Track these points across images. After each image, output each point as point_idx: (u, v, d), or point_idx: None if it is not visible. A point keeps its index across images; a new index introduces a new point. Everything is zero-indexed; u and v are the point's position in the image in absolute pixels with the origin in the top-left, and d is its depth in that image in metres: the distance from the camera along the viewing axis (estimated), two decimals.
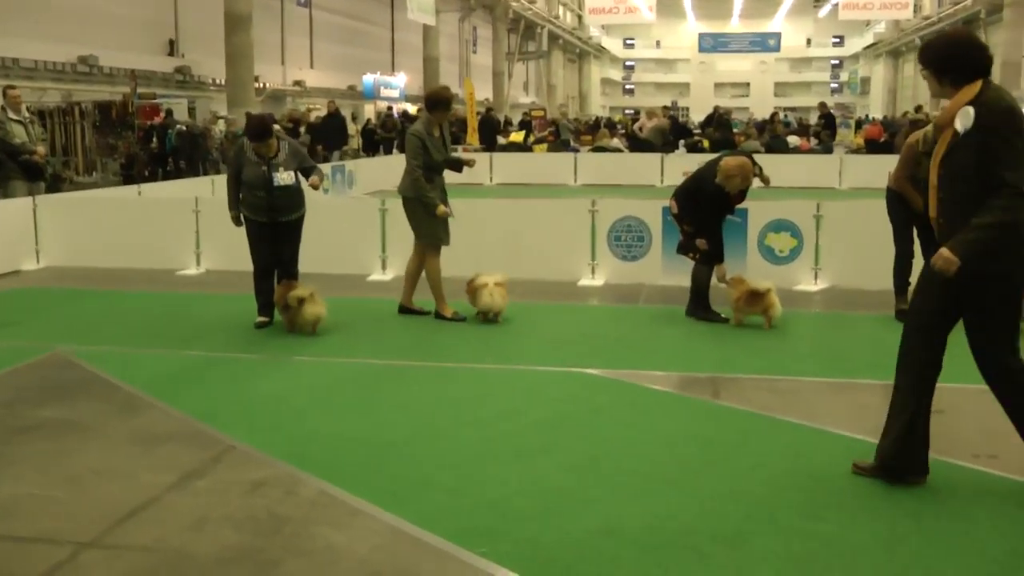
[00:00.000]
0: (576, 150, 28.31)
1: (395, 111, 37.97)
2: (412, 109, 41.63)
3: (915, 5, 54.97)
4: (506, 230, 11.18)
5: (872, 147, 27.64)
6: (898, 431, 5.12)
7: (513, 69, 59.71)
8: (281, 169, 8.74)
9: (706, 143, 28.60)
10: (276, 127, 9.22)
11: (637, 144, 28.10)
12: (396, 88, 45.58)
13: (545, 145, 29.87)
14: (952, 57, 4.89)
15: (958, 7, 55.58)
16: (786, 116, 46.37)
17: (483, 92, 55.16)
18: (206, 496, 4.97)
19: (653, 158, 25.69)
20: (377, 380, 7.24)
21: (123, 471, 5.34)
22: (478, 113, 33.26)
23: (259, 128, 8.79)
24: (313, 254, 9.57)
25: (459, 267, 9.34)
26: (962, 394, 6.47)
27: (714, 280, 9.31)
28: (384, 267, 11.47)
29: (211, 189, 15.86)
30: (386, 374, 7.41)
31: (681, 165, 25.09)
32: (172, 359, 7.83)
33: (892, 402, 5.19)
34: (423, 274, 9.27)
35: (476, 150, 27.10)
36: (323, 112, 30.96)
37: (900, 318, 8.99)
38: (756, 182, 9.33)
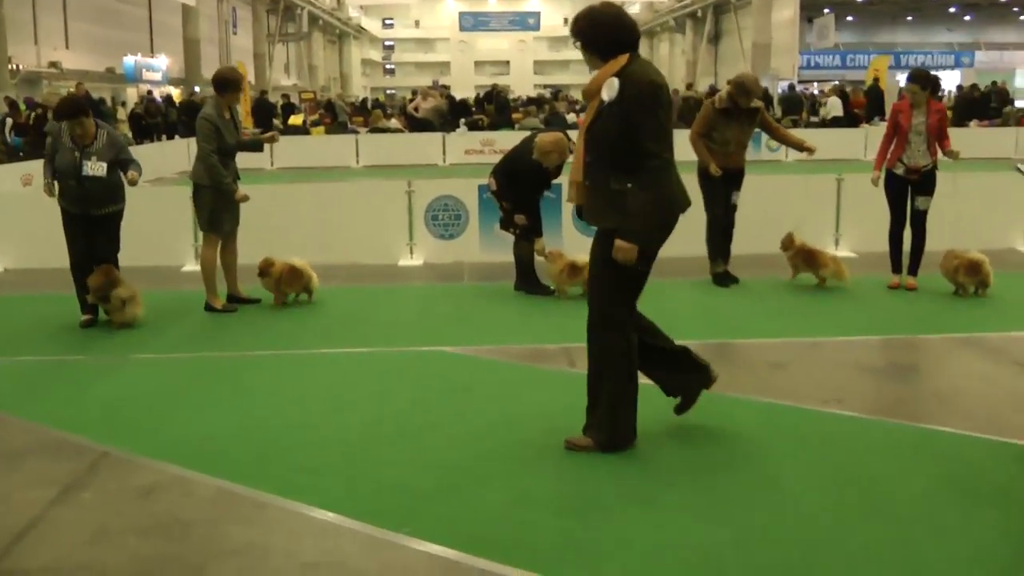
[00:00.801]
0: (355, 131, 28.04)
1: (157, 95, 36.59)
2: (175, 93, 40.20)
3: None
4: (320, 214, 11.01)
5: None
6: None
7: (274, 51, 58.52)
8: (94, 159, 8.21)
9: (484, 121, 28.89)
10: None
11: (415, 124, 28.09)
12: (158, 71, 43.81)
13: (323, 128, 29.44)
14: (601, 31, 5.08)
15: None
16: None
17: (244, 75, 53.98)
18: (96, 508, 4.71)
19: (434, 137, 25.83)
20: (233, 373, 7.04)
21: None
22: (253, 97, 32.51)
23: (70, 107, 8.26)
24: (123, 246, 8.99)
25: (274, 254, 9.12)
26: (797, 348, 7.19)
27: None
28: (198, 256, 11.04)
29: None
30: (240, 366, 7.21)
31: (463, 143, 25.49)
32: (3, 368, 7.32)
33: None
34: (220, 260, 9.07)
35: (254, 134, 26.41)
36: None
37: (717, 281, 9.71)
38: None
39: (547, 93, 45.67)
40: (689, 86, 36.85)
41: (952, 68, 54.06)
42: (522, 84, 73.72)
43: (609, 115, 4.98)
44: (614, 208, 5.01)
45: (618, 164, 4.98)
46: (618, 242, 4.97)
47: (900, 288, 9.47)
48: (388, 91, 70.23)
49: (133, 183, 8.46)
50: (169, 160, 23.69)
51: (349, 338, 7.92)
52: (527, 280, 9.54)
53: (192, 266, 10.96)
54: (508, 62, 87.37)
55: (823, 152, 10.69)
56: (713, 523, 4.43)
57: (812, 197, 11.54)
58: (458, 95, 38.11)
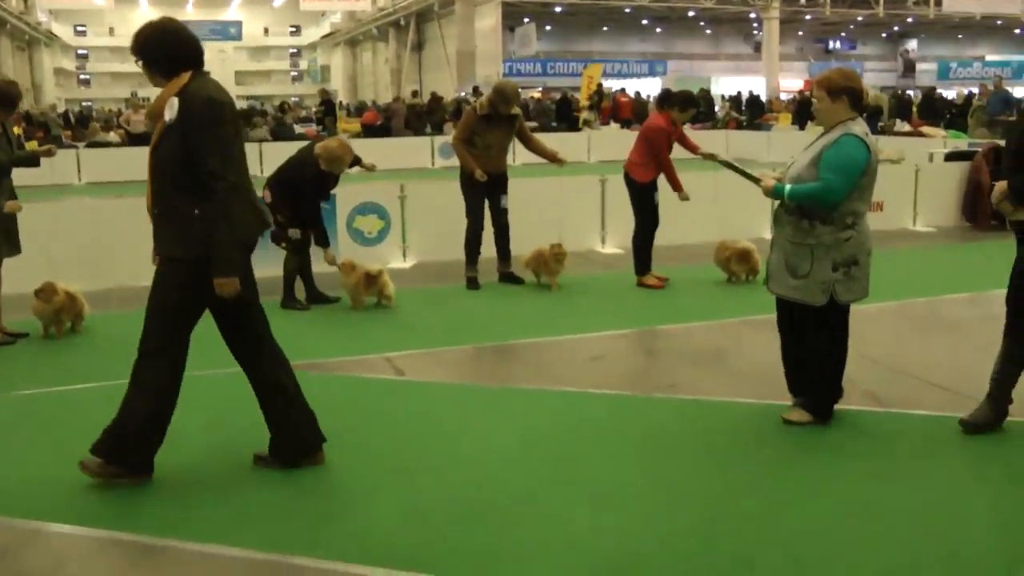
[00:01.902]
0: (73, 146, 26.27)
1: None
2: None
3: None
4: (94, 233, 10.23)
5: (369, 131, 28.44)
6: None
7: None
8: None
9: None
10: None
11: (134, 139, 26.73)
12: None
13: (35, 142, 27.44)
14: (160, 48, 4.86)
15: (412, 0, 58.48)
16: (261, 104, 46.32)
17: None
18: None
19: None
20: (44, 411, 6.36)
21: None
22: None
23: None
24: None
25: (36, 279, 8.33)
26: (613, 340, 7.52)
27: (320, 266, 9.35)
28: None
29: None
30: (54, 403, 6.54)
31: None
32: None
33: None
34: None
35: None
36: None
37: (470, 286, 9.90)
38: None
39: (257, 104, 44.66)
40: (415, 94, 36.80)
41: (648, 76, 56.87)
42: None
43: (171, 137, 4.71)
44: (185, 235, 4.74)
45: (186, 188, 4.70)
46: (217, 281, 4.70)
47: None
48: (84, 103, 66.79)
49: None
50: None
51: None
52: (286, 295, 9.25)
53: None
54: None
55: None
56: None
57: (577, 198, 11.86)
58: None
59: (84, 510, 4.69)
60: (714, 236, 10.25)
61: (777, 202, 5.72)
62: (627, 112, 32.43)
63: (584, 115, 31.88)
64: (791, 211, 5.54)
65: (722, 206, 11.72)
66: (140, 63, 4.89)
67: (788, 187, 5.46)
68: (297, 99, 64.62)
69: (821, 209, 5.41)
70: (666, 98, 9.75)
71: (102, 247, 10.14)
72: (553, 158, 10.09)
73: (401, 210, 11.09)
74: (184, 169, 4.67)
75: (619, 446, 5.43)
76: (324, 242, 9.17)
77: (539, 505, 4.64)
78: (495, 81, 13.13)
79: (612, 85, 39.98)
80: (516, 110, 9.87)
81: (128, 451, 4.94)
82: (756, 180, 5.70)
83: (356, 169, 9.75)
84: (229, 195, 4.66)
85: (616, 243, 11.71)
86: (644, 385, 6.64)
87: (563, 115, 31.35)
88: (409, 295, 9.41)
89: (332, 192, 9.76)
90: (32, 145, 26.82)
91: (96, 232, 10.29)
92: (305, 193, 9.02)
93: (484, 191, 9.77)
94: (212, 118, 4.69)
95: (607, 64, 53.35)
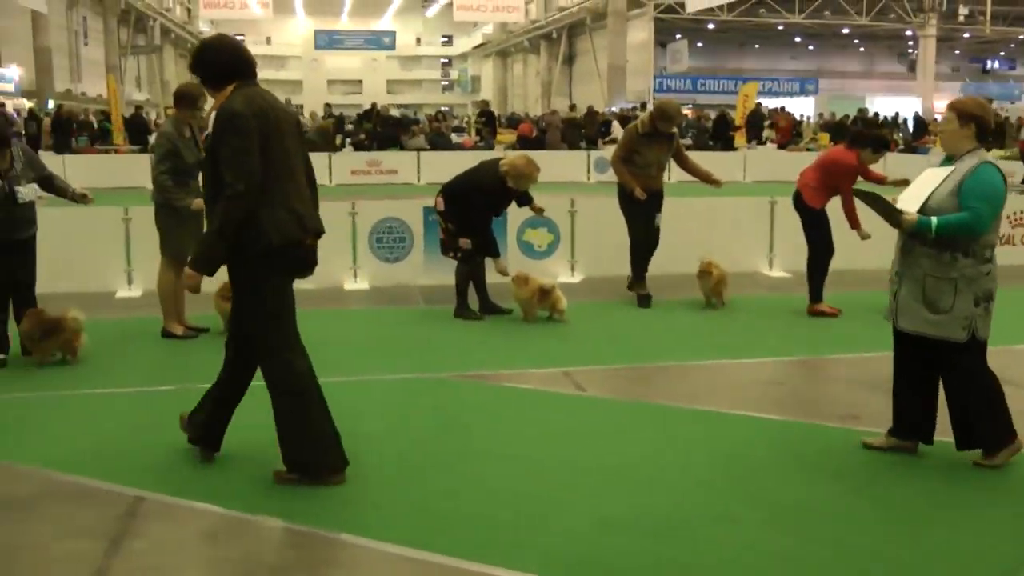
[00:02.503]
0: None
1: (11, 107, 34.91)
2: (26, 105, 38.37)
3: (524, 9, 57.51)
4: None
5: (524, 143, 28.65)
6: None
7: (126, 65, 56.69)
8: (23, 183, 7.62)
9: (363, 137, 28.54)
10: None
11: None
12: (10, 82, 41.77)
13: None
14: (207, 64, 5.10)
15: (564, 13, 58.75)
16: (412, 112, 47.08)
17: (95, 88, 52.02)
18: (162, 556, 4.34)
19: (317, 158, 25.15)
20: None
21: (24, 546, 4.52)
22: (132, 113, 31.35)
23: None
24: (48, 272, 8.44)
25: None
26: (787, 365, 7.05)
27: (493, 276, 9.42)
28: (131, 282, 10.49)
29: None
30: None
31: (349, 164, 25.00)
32: None
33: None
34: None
35: (131, 151, 25.46)
36: None
37: (641, 303, 9.87)
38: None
39: (410, 113, 45.42)
40: (572, 108, 36.84)
41: (799, 95, 55.98)
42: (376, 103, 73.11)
43: (210, 150, 4.95)
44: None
45: (218, 196, 4.91)
46: (186, 271, 5.03)
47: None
48: None
49: (86, 200, 7.96)
50: None
51: (331, 366, 7.56)
52: (459, 304, 9.39)
53: (126, 292, 10.39)
54: (360, 81, 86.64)
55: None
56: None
57: (745, 219, 11.77)
58: (307, 114, 37.36)
59: (283, 505, 4.87)
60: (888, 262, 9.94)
61: (904, 235, 5.49)
62: (787, 134, 32.02)
63: (739, 137, 31.55)
64: (930, 243, 5.35)
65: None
66: (197, 78, 5.20)
67: (935, 220, 5.26)
68: (447, 108, 65.47)
69: (967, 240, 5.25)
70: (859, 138, 9.44)
71: None
72: (708, 179, 10.08)
73: (571, 224, 11.18)
74: (215, 181, 4.92)
75: (801, 471, 5.39)
76: (494, 252, 9.28)
77: (732, 525, 4.65)
78: (645, 96, 13.12)
79: (765, 103, 39.46)
80: (675, 129, 9.89)
81: (303, 451, 5.13)
82: (898, 213, 5.44)
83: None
84: (229, 203, 4.82)
85: (783, 266, 11.57)
86: (822, 413, 6.55)
87: (719, 134, 31.10)
88: (580, 309, 9.45)
89: None
90: None
91: None
92: (479, 206, 9.15)
93: (644, 208, 9.79)
94: (230, 129, 4.84)
95: (762, 82, 52.76)
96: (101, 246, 10.33)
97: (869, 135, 9.54)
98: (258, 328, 5.13)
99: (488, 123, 30.70)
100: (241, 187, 4.79)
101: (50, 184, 7.92)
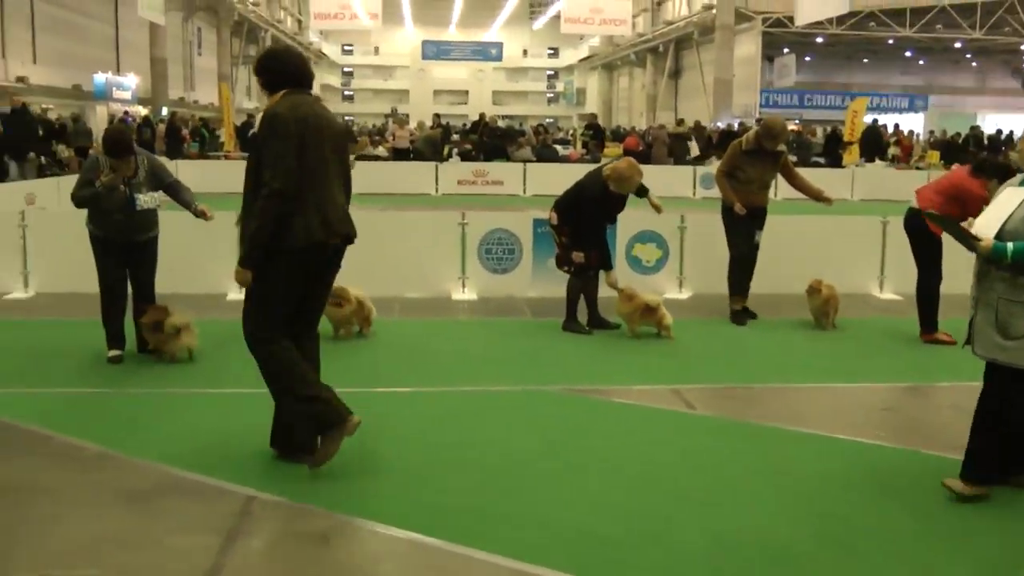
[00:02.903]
0: None
1: (130, 115, 35.90)
2: (142, 112, 39.42)
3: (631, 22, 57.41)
4: (371, 244, 10.61)
5: (630, 157, 28.52)
6: None
7: (237, 74, 58.00)
8: (144, 190, 7.82)
9: (469, 147, 28.69)
10: None
11: (397, 154, 27.91)
12: (128, 89, 43.02)
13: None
14: (264, 70, 5.48)
15: (671, 27, 58.51)
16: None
17: (208, 96, 53.33)
18: (276, 558, 4.40)
19: (425, 167, 25.50)
20: None
21: (141, 538, 4.62)
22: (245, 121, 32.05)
23: (120, 146, 7.72)
24: (164, 272, 8.59)
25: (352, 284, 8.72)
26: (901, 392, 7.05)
27: (603, 290, 9.33)
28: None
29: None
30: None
31: (455, 173, 25.21)
32: (72, 399, 6.91)
33: None
34: None
35: (241, 157, 25.92)
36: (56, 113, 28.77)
37: (734, 319, 9.77)
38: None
39: (516, 125, 45.63)
40: (680, 122, 36.62)
41: (908, 111, 54.87)
42: (481, 114, 73.58)
43: (253, 146, 5.39)
44: None
45: (257, 194, 5.20)
46: (236, 268, 5.33)
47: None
48: (347, 118, 69.77)
49: (206, 217, 8.09)
50: None
51: (438, 375, 7.64)
52: (569, 317, 9.36)
53: (236, 295, 10.57)
54: (467, 91, 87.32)
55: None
56: None
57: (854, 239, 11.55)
58: (414, 123, 37.62)
59: (393, 510, 4.90)
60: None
61: (980, 260, 5.29)
62: (908, 153, 31.44)
63: (849, 154, 31.04)
64: (1005, 267, 5.14)
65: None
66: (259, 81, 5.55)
67: (1010, 246, 5.05)
68: (551, 120, 65.54)
69: None
70: (984, 166, 9.09)
71: (383, 257, 10.56)
72: (819, 197, 9.91)
73: (680, 240, 11.10)
74: (258, 177, 5.22)
75: (919, 501, 5.23)
76: (607, 265, 9.27)
77: (848, 554, 4.54)
78: (752, 111, 12.92)
79: (872, 119, 38.68)
80: (782, 147, 9.77)
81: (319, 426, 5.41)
82: (974, 239, 5.24)
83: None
84: (265, 202, 5.12)
85: (894, 288, 11.32)
86: (935, 442, 6.31)
87: (830, 150, 30.62)
88: (687, 326, 9.37)
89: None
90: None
91: (378, 243, 10.72)
92: (589, 214, 9.15)
93: (745, 224, 9.71)
94: (271, 131, 5.20)
95: (871, 98, 51.85)
96: (213, 249, 10.53)
97: (995, 165, 9.12)
98: (259, 310, 5.43)
99: (596, 136, 30.66)
100: (278, 185, 5.10)
101: (175, 194, 8.08)
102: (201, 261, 10.45)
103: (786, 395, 7.43)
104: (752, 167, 9.66)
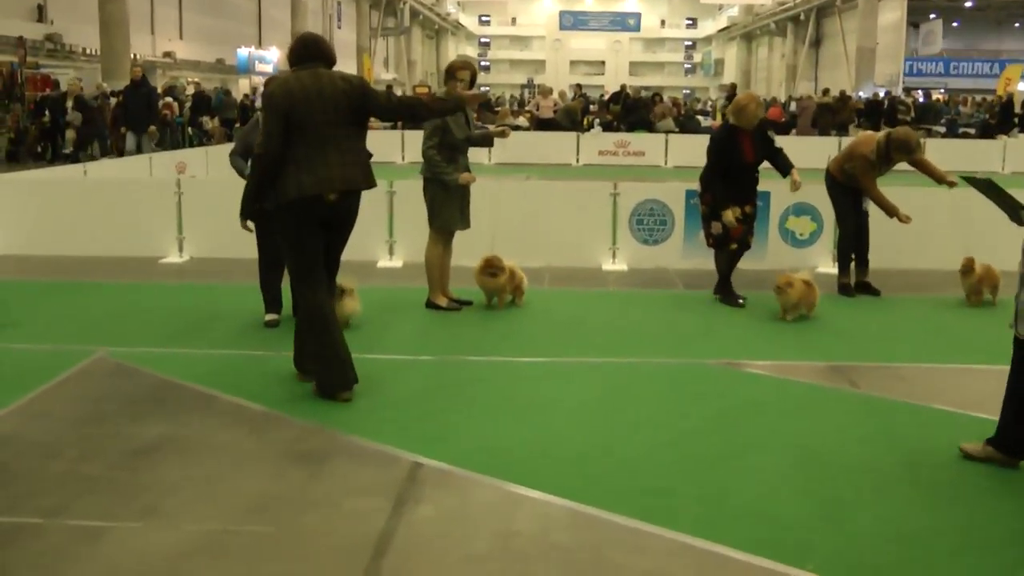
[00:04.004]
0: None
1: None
2: None
3: None
4: (522, 213, 10.63)
5: (772, 128, 27.96)
6: None
7: (376, 46, 58.68)
8: None
9: (610, 118, 28.46)
10: None
11: (540, 124, 27.86)
12: (270, 63, 43.97)
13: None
14: (290, 52, 6.30)
15: None
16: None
17: (347, 68, 54.05)
18: (449, 525, 4.39)
19: (566, 137, 25.42)
20: (492, 378, 6.70)
21: (312, 498, 4.67)
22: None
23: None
24: None
25: (473, 252, 8.81)
26: None
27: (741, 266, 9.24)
28: (392, 253, 10.80)
29: (148, 169, 14.89)
30: (497, 371, 6.87)
31: (596, 144, 25.06)
32: (234, 360, 7.06)
33: None
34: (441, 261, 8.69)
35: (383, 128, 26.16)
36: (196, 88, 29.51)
37: (843, 292, 9.49)
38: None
39: (649, 95, 45.05)
40: (826, 92, 35.68)
41: None
42: (617, 85, 73.08)
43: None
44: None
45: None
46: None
47: None
48: (483, 88, 70.02)
49: None
50: None
51: (597, 346, 7.55)
52: (722, 288, 9.18)
53: (387, 262, 10.71)
54: (603, 62, 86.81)
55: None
56: None
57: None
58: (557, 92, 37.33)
59: (563, 483, 4.83)
60: None
61: None
62: None
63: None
64: None
65: None
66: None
67: None
68: (688, 91, 64.73)
69: None
70: None
71: (533, 227, 10.55)
72: (942, 180, 9.46)
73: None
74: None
75: None
76: (746, 239, 9.05)
77: None
78: (895, 81, 12.28)
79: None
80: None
81: (319, 375, 6.23)
82: (1020, 207, 4.93)
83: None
84: (256, 162, 6.18)
85: None
86: None
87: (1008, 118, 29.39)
88: (840, 302, 9.20)
89: (764, 188, 9.55)
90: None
91: (528, 212, 10.68)
92: (714, 160, 8.92)
93: (854, 198, 9.48)
94: (263, 105, 6.24)
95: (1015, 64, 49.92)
96: (362, 217, 10.60)
97: None
98: (286, 258, 6.38)
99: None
100: (260, 150, 6.03)
101: None
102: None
103: (951, 376, 7.09)
104: (879, 171, 9.36)
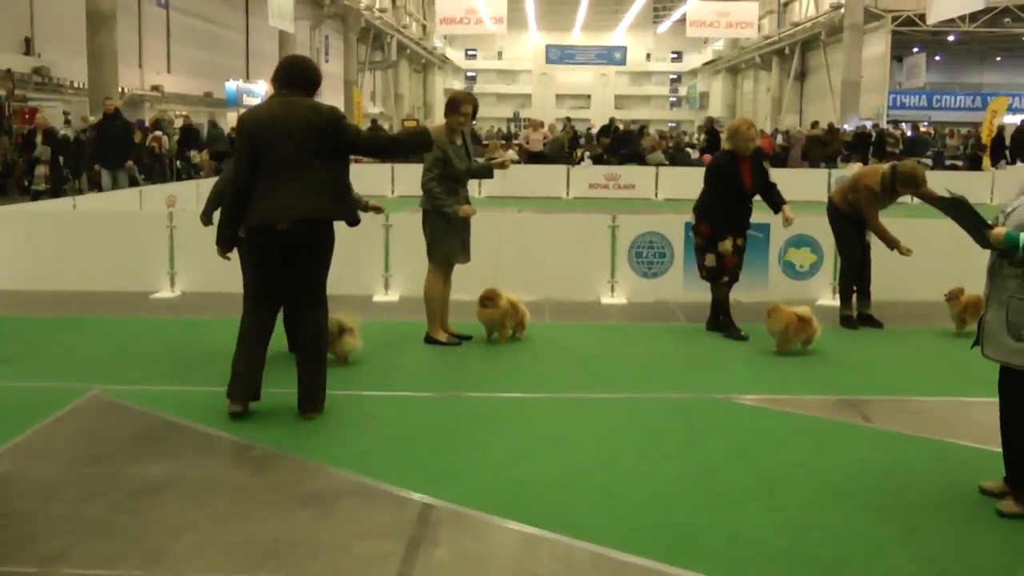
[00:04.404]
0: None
1: None
2: None
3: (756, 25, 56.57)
4: (520, 246, 10.50)
5: (767, 159, 28.02)
6: None
7: (363, 79, 58.72)
8: None
9: (599, 151, 28.47)
10: None
11: (530, 157, 27.83)
12: (258, 96, 43.87)
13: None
14: (273, 75, 6.39)
15: (798, 28, 57.48)
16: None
17: (334, 101, 54.04)
18: (465, 569, 4.24)
19: (555, 170, 25.36)
20: (497, 415, 6.56)
21: (323, 542, 4.53)
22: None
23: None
24: None
25: (472, 286, 8.67)
26: None
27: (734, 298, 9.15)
28: (387, 287, 10.66)
29: (138, 202, 14.74)
30: (499, 408, 6.72)
31: (587, 177, 25.00)
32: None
33: None
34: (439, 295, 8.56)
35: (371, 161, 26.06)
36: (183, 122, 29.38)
37: (845, 324, 9.41)
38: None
39: (635, 127, 45.19)
40: (815, 124, 35.72)
41: None
42: (603, 118, 73.20)
43: None
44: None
45: None
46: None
47: None
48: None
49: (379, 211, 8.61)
50: None
51: (604, 381, 7.41)
52: (724, 322, 9.07)
53: (382, 296, 10.57)
54: (589, 96, 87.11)
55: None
56: None
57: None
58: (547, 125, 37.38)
59: (577, 522, 4.70)
60: None
61: (994, 254, 4.91)
62: None
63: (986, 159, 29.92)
64: (1017, 263, 4.74)
65: None
66: None
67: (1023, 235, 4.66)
68: (674, 124, 64.94)
69: None
70: None
71: (531, 259, 10.42)
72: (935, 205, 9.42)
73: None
74: None
75: None
76: (735, 272, 9.00)
77: None
78: (880, 112, 12.29)
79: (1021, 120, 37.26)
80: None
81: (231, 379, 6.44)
82: (986, 227, 4.83)
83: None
84: (229, 187, 6.42)
85: None
86: None
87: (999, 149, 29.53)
88: (844, 334, 9.09)
89: (762, 220, 9.50)
90: None
91: (526, 245, 10.56)
92: (713, 188, 8.92)
93: (856, 228, 9.46)
94: (236, 131, 6.63)
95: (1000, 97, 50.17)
96: (357, 250, 10.48)
97: None
98: (243, 275, 6.70)
99: (711, 140, 29.37)
100: (228, 176, 6.48)
101: None
102: (349, 263, 10.38)
103: (962, 410, 6.95)
104: (882, 204, 9.32)
